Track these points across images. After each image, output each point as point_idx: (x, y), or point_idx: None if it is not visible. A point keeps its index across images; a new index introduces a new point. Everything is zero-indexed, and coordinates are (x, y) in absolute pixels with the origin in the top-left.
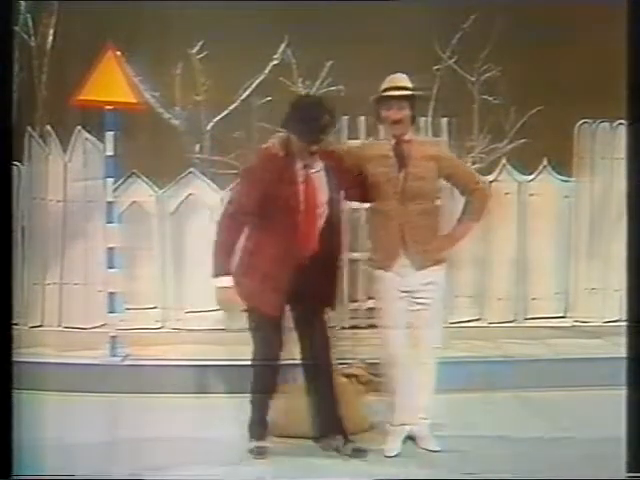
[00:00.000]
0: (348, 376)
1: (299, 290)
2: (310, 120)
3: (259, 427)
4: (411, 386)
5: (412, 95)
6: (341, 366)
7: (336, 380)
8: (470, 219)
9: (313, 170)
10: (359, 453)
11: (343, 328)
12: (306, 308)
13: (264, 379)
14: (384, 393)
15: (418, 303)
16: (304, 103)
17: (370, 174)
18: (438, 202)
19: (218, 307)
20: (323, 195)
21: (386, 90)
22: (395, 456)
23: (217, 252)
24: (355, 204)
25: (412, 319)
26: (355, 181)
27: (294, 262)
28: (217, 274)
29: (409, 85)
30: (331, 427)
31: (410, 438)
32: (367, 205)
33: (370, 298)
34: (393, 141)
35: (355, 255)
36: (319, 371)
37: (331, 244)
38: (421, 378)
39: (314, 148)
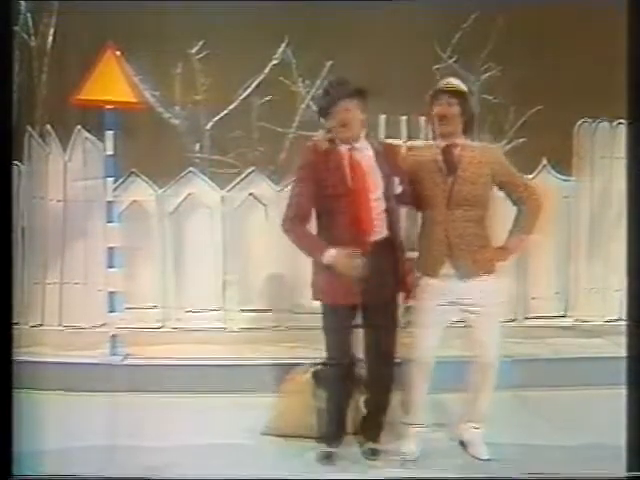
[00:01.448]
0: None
1: (369, 278)
2: (328, 93)
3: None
4: (427, 386)
5: (464, 95)
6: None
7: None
8: (522, 231)
9: (359, 153)
10: (375, 454)
11: None
12: (375, 298)
13: (337, 381)
14: (401, 392)
15: (469, 309)
16: (326, 85)
17: (420, 178)
18: (490, 210)
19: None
20: (375, 178)
21: (437, 88)
22: (416, 459)
23: (305, 248)
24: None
25: (466, 324)
26: (407, 185)
27: (359, 249)
28: (321, 255)
29: (462, 87)
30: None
31: (461, 443)
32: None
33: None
34: (443, 144)
35: None
36: (376, 372)
37: (391, 231)
38: (477, 383)
39: (343, 116)
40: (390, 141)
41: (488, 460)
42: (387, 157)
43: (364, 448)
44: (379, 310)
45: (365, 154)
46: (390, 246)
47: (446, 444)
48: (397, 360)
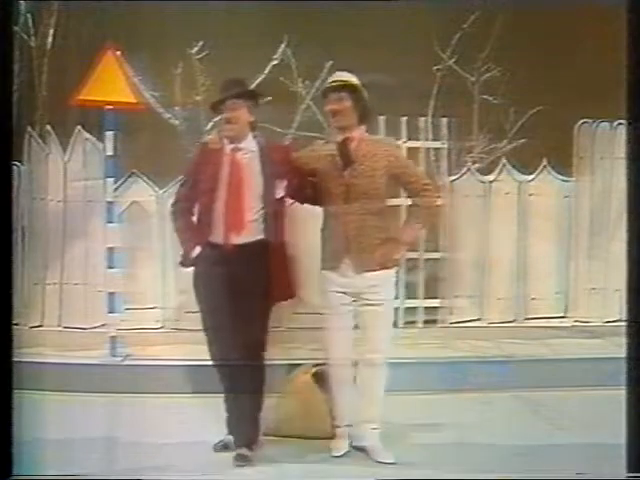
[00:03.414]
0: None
1: (236, 280)
2: (222, 91)
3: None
4: (351, 387)
5: (354, 87)
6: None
7: (262, 385)
8: (417, 222)
9: (242, 154)
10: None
11: None
12: (243, 303)
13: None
14: (328, 393)
15: (365, 304)
16: (223, 81)
17: (317, 174)
18: (387, 203)
19: None
20: (254, 179)
21: (326, 85)
22: (341, 456)
23: (179, 236)
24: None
25: (360, 321)
26: (304, 181)
27: (227, 247)
28: (190, 251)
29: (351, 80)
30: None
31: (360, 450)
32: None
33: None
34: (339, 138)
35: None
36: (246, 371)
37: (269, 236)
38: (368, 382)
39: (228, 114)
40: (277, 142)
41: (394, 463)
42: (273, 158)
43: (235, 453)
44: (245, 312)
45: (249, 155)
46: (264, 249)
47: None
48: (265, 363)
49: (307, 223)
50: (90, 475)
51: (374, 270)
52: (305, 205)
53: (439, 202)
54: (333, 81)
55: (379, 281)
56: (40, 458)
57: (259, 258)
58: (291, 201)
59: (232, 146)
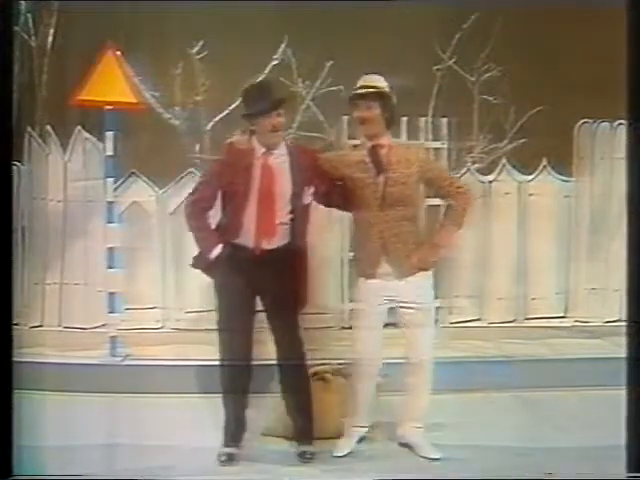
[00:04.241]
0: (346, 376)
1: (261, 286)
2: (260, 97)
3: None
4: (374, 388)
5: (383, 94)
6: (339, 366)
7: (307, 383)
8: (452, 225)
9: (273, 158)
10: (309, 456)
11: (343, 328)
12: (269, 305)
13: (230, 379)
14: (349, 393)
15: (406, 307)
16: (251, 86)
17: (349, 180)
18: (420, 208)
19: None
20: (285, 185)
21: (354, 91)
22: (344, 456)
23: (196, 235)
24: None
25: (401, 323)
26: (332, 186)
27: (256, 252)
28: (209, 249)
29: (380, 85)
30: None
31: (406, 446)
32: (348, 212)
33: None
34: (369, 145)
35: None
36: (287, 373)
37: (295, 240)
38: (413, 382)
39: (274, 122)
40: (305, 146)
41: (438, 459)
42: (302, 163)
43: (298, 451)
44: (279, 314)
45: (280, 160)
46: (290, 253)
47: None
48: (306, 361)
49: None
50: (90, 475)
51: (412, 274)
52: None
53: (473, 203)
54: (362, 87)
55: (418, 285)
56: (40, 458)
57: (285, 262)
58: (316, 205)
59: (264, 149)
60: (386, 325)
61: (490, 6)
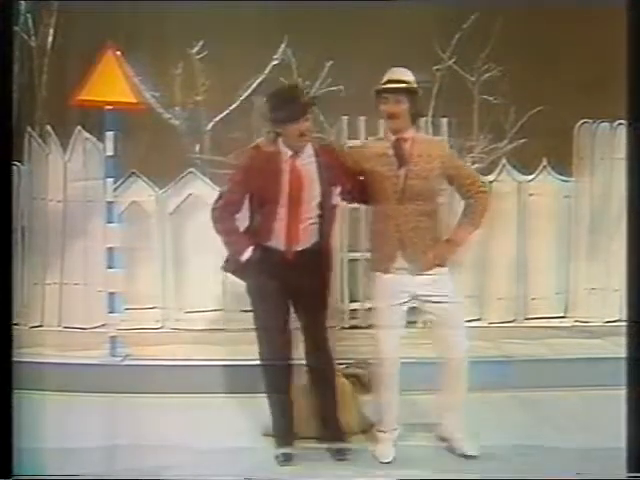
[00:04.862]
0: (348, 376)
1: (293, 287)
2: (288, 102)
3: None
4: (397, 389)
5: (411, 89)
6: (341, 366)
7: (335, 382)
8: (470, 224)
9: (301, 161)
10: (343, 453)
11: (343, 328)
12: (301, 306)
13: (274, 379)
14: (373, 395)
15: (428, 305)
16: (278, 90)
17: (369, 173)
18: (439, 203)
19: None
20: (313, 188)
21: (384, 84)
22: (391, 462)
23: (226, 239)
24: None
25: (428, 320)
26: (355, 182)
27: (286, 255)
28: (239, 252)
29: (409, 79)
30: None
31: (443, 439)
32: (368, 206)
33: (369, 298)
34: (393, 138)
35: (355, 255)
36: (317, 372)
37: (322, 240)
38: (447, 379)
39: (303, 127)
40: (328, 142)
41: (475, 457)
42: (329, 163)
43: (331, 449)
44: (308, 313)
45: (307, 162)
46: (318, 254)
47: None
48: (335, 360)
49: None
50: (90, 475)
51: (428, 270)
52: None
53: (491, 203)
54: (391, 80)
55: (435, 279)
56: (40, 458)
57: (316, 261)
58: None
59: (291, 153)
60: (410, 323)
61: (490, 6)
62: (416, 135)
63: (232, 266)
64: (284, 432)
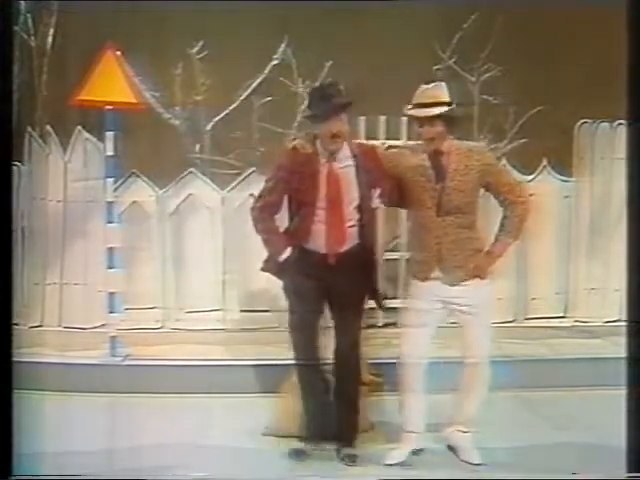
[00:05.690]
0: None
1: (330, 289)
2: (322, 100)
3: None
4: (422, 391)
5: (446, 104)
6: None
7: (359, 385)
8: (508, 236)
9: (338, 164)
10: (352, 459)
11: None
12: (336, 307)
13: (305, 379)
14: (396, 394)
15: (461, 312)
16: (315, 88)
17: (408, 182)
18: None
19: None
20: (352, 190)
21: (414, 106)
22: (395, 465)
23: (265, 239)
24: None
25: (458, 327)
26: (394, 185)
27: (326, 258)
28: (278, 252)
29: (440, 99)
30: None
31: (450, 448)
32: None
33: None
34: (430, 149)
35: (393, 255)
36: (341, 375)
37: (365, 242)
38: (465, 385)
39: (334, 128)
40: (368, 143)
41: (480, 464)
42: (367, 165)
43: (341, 454)
44: (345, 315)
45: (345, 164)
46: (360, 255)
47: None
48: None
49: None
50: (90, 475)
51: (466, 281)
52: None
53: (531, 214)
54: (423, 104)
55: (472, 292)
56: (40, 458)
57: (355, 263)
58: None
59: (327, 155)
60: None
61: (490, 6)
62: (452, 146)
63: (271, 266)
64: (308, 430)
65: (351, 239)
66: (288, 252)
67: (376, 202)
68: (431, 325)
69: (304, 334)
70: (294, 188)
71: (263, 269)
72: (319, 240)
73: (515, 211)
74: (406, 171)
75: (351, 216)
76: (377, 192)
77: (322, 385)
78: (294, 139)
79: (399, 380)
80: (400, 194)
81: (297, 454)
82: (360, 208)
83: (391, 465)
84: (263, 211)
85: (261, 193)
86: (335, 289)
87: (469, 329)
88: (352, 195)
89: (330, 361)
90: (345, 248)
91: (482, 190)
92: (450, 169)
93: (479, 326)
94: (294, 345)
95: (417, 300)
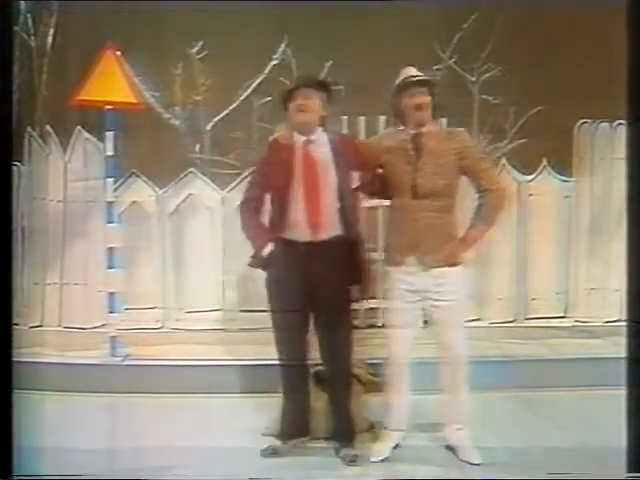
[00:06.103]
0: None
1: (319, 279)
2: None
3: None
4: (407, 389)
5: (431, 83)
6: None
7: (351, 384)
8: (484, 222)
9: (314, 147)
10: (353, 458)
11: (360, 327)
12: (327, 299)
13: (288, 377)
14: (382, 394)
15: (435, 303)
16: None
17: (387, 165)
18: (455, 200)
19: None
20: (329, 174)
21: (406, 79)
22: (381, 461)
23: (248, 234)
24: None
25: (432, 320)
26: (375, 174)
27: (309, 246)
28: (261, 247)
29: (427, 77)
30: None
31: (449, 448)
32: (386, 202)
33: (370, 298)
34: (412, 132)
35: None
36: (333, 373)
37: (349, 230)
38: (449, 382)
39: (301, 103)
40: (345, 135)
41: (479, 464)
42: (344, 151)
43: (341, 454)
44: (331, 309)
45: (321, 149)
46: (344, 245)
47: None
48: (352, 359)
49: None
50: (90, 475)
51: (439, 267)
52: None
53: (507, 203)
54: (413, 76)
55: (445, 279)
56: (40, 458)
57: (338, 254)
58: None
59: (304, 139)
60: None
61: (490, 6)
62: (431, 129)
63: (257, 261)
64: (285, 428)
65: (332, 225)
66: (270, 247)
67: (355, 183)
68: (414, 322)
69: (287, 333)
70: (273, 178)
71: (250, 264)
72: (300, 228)
73: (491, 198)
74: (386, 154)
75: (330, 200)
76: (356, 174)
77: (302, 386)
78: (276, 131)
79: (384, 379)
80: (381, 181)
81: (272, 452)
82: (340, 191)
83: (376, 462)
84: (245, 206)
85: (245, 189)
86: (319, 280)
87: (442, 326)
88: (330, 177)
89: (317, 361)
90: (327, 235)
91: (462, 176)
92: (430, 150)
93: (452, 322)
94: (276, 343)
95: (395, 293)
